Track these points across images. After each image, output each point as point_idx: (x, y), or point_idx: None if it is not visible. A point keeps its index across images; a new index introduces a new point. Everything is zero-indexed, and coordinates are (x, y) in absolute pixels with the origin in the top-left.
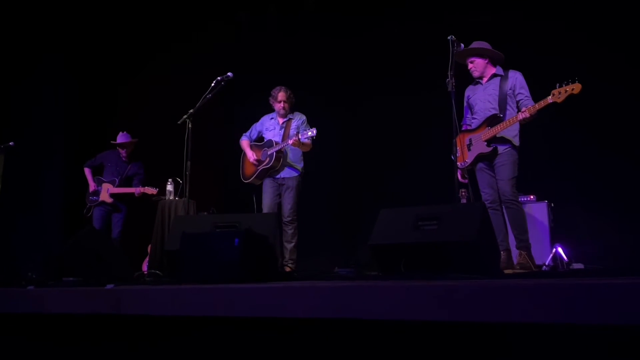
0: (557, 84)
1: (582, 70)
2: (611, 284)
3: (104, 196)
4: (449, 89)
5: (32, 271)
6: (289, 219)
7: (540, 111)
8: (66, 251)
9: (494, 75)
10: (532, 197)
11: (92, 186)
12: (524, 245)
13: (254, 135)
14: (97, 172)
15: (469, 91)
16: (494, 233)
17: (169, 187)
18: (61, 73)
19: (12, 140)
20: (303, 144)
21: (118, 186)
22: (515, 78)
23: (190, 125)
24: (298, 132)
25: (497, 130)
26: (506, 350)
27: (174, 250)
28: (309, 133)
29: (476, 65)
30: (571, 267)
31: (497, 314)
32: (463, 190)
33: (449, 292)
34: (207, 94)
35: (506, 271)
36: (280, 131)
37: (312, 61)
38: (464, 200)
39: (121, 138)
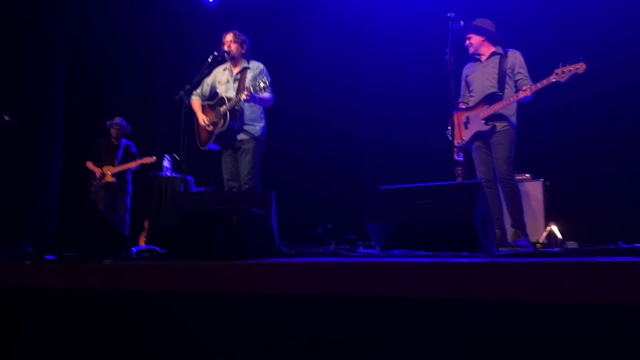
0: (560, 64)
1: (579, 49)
2: (601, 263)
3: (107, 177)
4: (448, 67)
5: (30, 246)
6: (246, 186)
7: (540, 91)
8: (64, 226)
9: (494, 54)
10: (527, 175)
11: (98, 172)
12: (519, 223)
13: (207, 91)
14: (97, 159)
15: (467, 68)
16: (490, 212)
17: (166, 163)
18: (60, 47)
19: (8, 115)
20: (261, 100)
21: (117, 166)
22: (515, 57)
23: (187, 102)
24: (255, 85)
25: (495, 108)
26: (499, 329)
27: (172, 227)
28: (261, 84)
29: (472, 42)
30: (565, 245)
31: (490, 293)
32: (459, 168)
33: (445, 271)
34: (203, 69)
35: (500, 249)
36: (234, 84)
37: (310, 26)
38: (460, 179)
39: (112, 122)
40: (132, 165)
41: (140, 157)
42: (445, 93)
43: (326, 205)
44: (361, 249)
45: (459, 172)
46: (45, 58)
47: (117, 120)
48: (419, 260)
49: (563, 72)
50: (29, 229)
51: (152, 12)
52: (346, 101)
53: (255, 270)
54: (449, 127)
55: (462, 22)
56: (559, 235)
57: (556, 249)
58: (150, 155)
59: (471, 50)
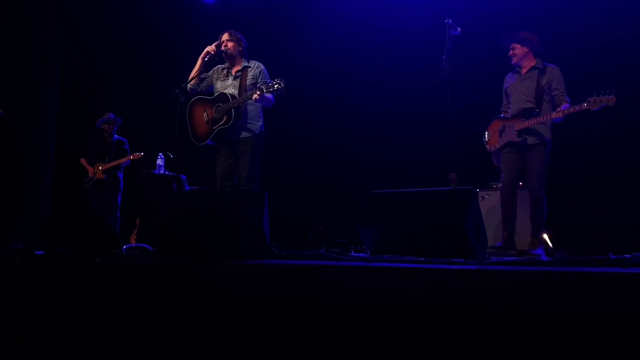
0: (595, 92)
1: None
2: (589, 273)
3: (98, 174)
4: (444, 74)
5: (19, 241)
6: (245, 187)
7: (573, 114)
8: (54, 222)
9: (533, 68)
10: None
11: (90, 171)
12: (536, 234)
13: (205, 87)
14: (90, 156)
15: (508, 79)
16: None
17: (160, 161)
18: (55, 41)
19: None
20: (267, 100)
21: (107, 162)
22: (553, 73)
23: (182, 100)
24: (259, 84)
25: (530, 123)
26: (489, 336)
27: (164, 225)
28: (276, 86)
29: (516, 52)
30: (556, 254)
31: (481, 300)
32: (453, 174)
33: (435, 277)
34: (200, 68)
35: (510, 252)
36: (234, 81)
37: (307, 28)
38: (453, 185)
39: (102, 119)
40: (122, 161)
41: (132, 153)
42: (441, 99)
43: (319, 207)
44: (352, 252)
45: (453, 178)
46: (39, 51)
47: (107, 116)
48: (409, 266)
49: (595, 102)
50: (20, 224)
51: (149, 9)
52: (341, 104)
53: (245, 271)
54: (487, 132)
55: (459, 29)
56: (550, 244)
57: (546, 258)
58: (142, 152)
59: (514, 60)
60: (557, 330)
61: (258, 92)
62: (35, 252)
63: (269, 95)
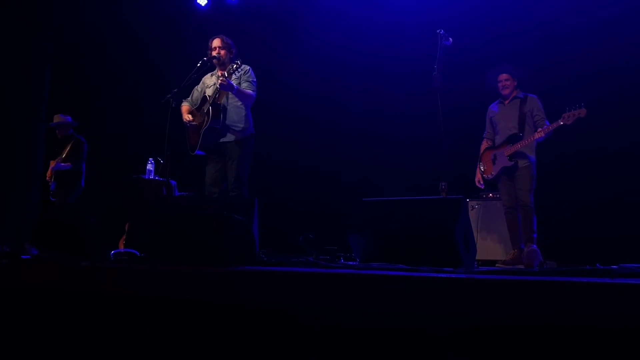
0: (567, 108)
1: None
2: (576, 283)
3: (48, 176)
4: (435, 84)
5: (5, 245)
6: (233, 193)
7: (553, 131)
8: (41, 226)
9: (515, 98)
10: None
11: (48, 175)
12: (529, 241)
13: (198, 98)
14: (53, 158)
15: (492, 109)
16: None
17: (149, 166)
18: (46, 44)
19: None
20: (239, 91)
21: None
22: (533, 102)
23: (173, 105)
24: (230, 68)
25: (517, 147)
26: (468, 343)
27: (152, 231)
28: (234, 66)
29: (508, 85)
30: (544, 265)
31: (468, 309)
32: (443, 183)
33: (422, 286)
34: (192, 74)
35: (519, 266)
36: (217, 83)
37: (299, 35)
38: (443, 194)
39: (55, 120)
40: (52, 165)
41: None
42: (433, 108)
43: (309, 214)
44: (342, 260)
45: (443, 187)
46: (31, 54)
47: (56, 119)
48: (398, 274)
49: (569, 117)
50: (7, 228)
51: (142, 13)
52: (332, 111)
53: (233, 277)
54: (480, 163)
55: (450, 39)
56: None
57: (535, 268)
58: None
59: (506, 91)
60: (544, 339)
61: (221, 79)
62: (22, 256)
63: (247, 91)
